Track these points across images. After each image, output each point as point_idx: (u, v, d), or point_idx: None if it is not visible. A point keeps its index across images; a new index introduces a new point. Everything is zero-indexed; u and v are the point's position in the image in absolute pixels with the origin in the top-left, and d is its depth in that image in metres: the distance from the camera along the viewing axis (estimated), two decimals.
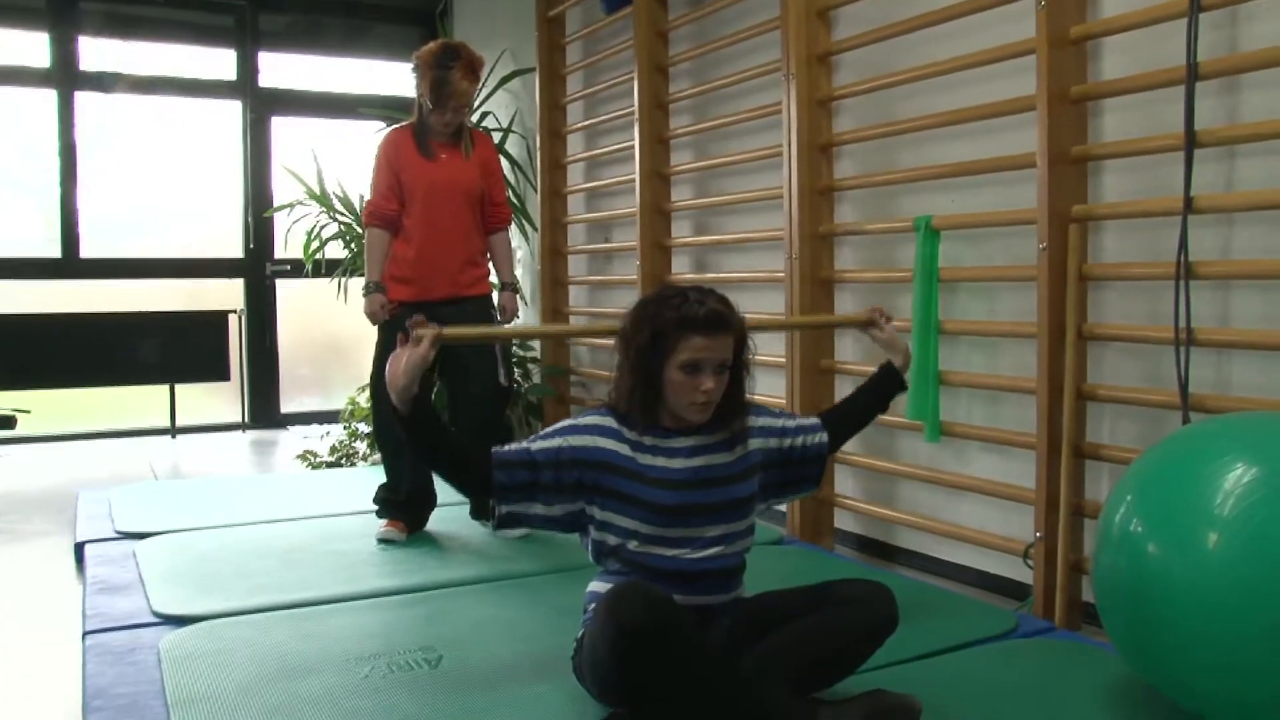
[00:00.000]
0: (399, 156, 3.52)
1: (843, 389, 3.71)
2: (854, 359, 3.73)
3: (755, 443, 2.24)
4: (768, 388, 3.74)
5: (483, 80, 3.77)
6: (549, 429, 2.20)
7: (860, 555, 3.71)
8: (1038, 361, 2.90)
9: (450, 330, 2.21)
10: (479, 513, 3.74)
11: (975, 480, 3.25)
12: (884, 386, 2.55)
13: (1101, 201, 2.88)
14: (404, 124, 3.63)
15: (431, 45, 3.49)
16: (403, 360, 2.10)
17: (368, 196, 3.61)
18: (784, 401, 3.82)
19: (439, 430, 2.18)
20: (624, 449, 2.13)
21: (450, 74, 3.41)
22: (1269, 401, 2.46)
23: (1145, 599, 1.98)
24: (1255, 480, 1.91)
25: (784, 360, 3.84)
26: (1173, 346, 2.57)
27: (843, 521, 3.83)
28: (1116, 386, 2.83)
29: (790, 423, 2.35)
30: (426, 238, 3.49)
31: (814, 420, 2.41)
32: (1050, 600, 2.85)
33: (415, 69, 3.49)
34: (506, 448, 2.15)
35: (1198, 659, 1.92)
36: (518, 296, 3.77)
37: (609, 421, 2.17)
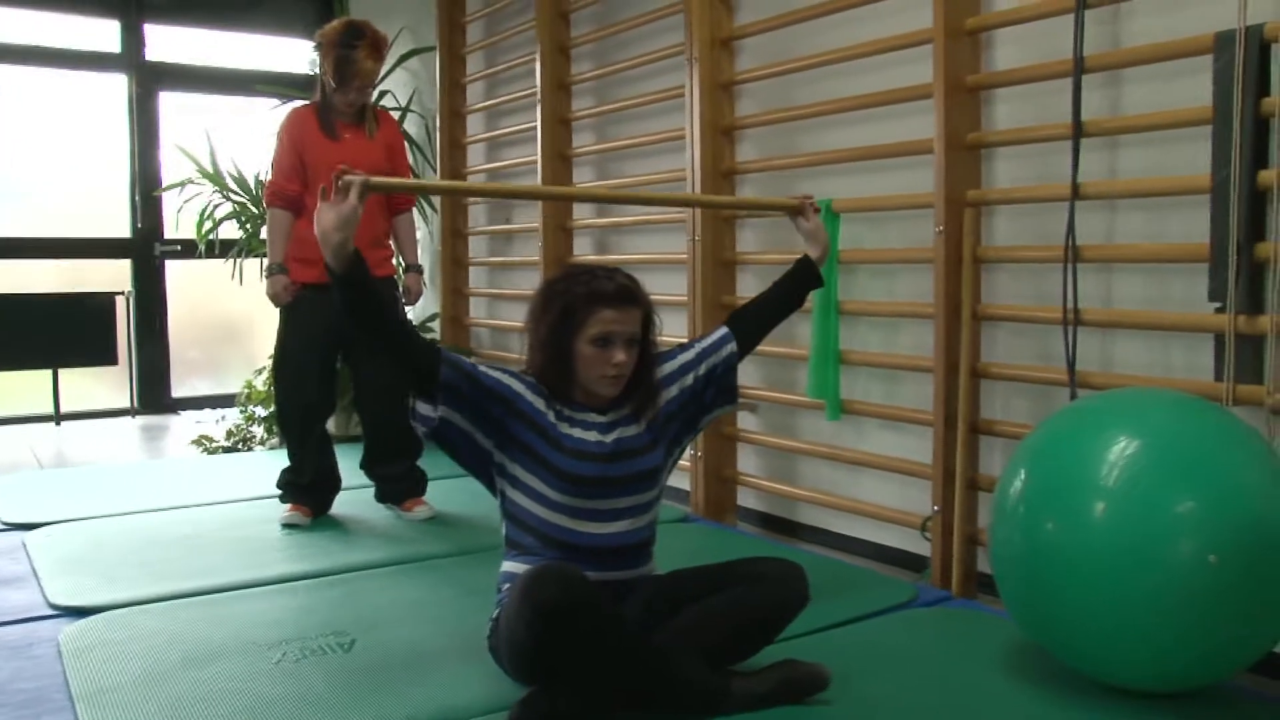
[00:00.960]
0: (302, 136, 3.46)
1: None
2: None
3: (663, 396, 2.28)
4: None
5: None
6: (490, 364, 2.21)
7: (763, 531, 3.79)
8: (934, 341, 3.01)
9: (376, 179, 2.12)
10: (384, 496, 3.72)
11: (874, 456, 3.35)
12: (800, 281, 2.53)
13: (994, 187, 3.00)
14: (307, 103, 3.56)
15: (335, 23, 3.43)
16: (331, 214, 1.99)
17: (268, 176, 3.54)
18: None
19: (379, 295, 2.09)
20: (549, 414, 2.18)
21: (355, 53, 3.36)
22: (1150, 378, 2.61)
23: (1037, 567, 2.09)
24: (1137, 452, 2.03)
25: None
26: (1061, 326, 2.70)
27: (745, 499, 3.91)
28: (1009, 364, 2.96)
29: (691, 354, 2.37)
30: None
31: (720, 332, 2.42)
32: (948, 571, 2.96)
33: (318, 47, 3.43)
34: (452, 353, 2.15)
35: (1086, 623, 2.03)
36: (421, 278, 3.75)
37: (540, 385, 2.20)
